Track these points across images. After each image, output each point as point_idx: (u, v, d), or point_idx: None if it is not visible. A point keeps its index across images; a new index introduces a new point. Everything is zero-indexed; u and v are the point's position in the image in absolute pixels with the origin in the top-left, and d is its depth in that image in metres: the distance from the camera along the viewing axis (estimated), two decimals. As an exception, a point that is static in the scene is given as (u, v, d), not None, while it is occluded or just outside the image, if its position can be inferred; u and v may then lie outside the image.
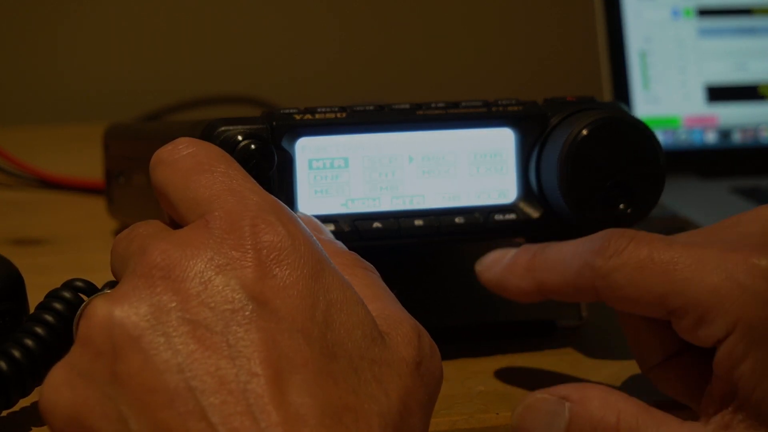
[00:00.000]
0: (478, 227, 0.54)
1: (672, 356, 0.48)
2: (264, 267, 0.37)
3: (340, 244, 0.43)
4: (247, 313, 0.36)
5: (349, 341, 0.36)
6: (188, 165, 0.41)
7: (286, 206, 0.40)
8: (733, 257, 0.45)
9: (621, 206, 0.53)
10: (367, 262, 0.42)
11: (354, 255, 0.42)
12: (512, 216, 0.54)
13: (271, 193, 0.48)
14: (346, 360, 0.36)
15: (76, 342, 0.36)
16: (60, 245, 0.75)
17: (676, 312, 0.45)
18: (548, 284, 0.50)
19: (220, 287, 0.36)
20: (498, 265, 0.52)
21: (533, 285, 0.50)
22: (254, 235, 0.37)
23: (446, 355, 0.55)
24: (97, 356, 0.36)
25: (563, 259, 0.49)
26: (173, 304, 0.36)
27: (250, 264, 0.36)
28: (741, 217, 0.48)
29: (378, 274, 0.42)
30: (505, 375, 0.55)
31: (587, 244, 0.48)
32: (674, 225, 0.79)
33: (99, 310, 0.36)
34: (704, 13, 0.92)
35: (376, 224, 0.52)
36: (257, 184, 0.41)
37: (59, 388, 0.36)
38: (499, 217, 0.54)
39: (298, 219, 0.39)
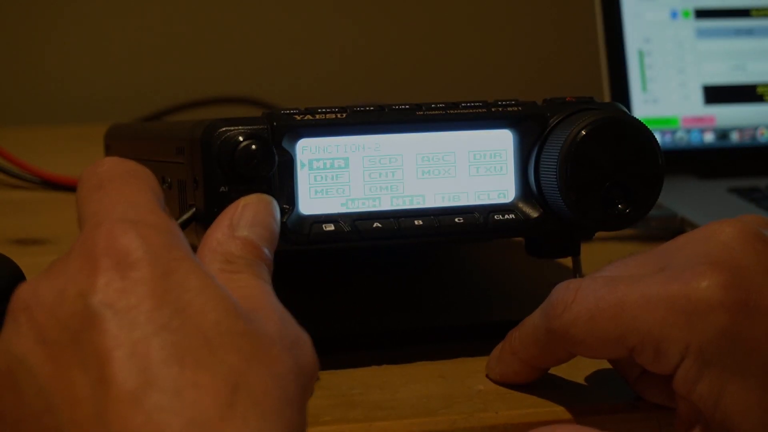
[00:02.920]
0: (477, 227, 0.54)
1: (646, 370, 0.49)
2: (113, 272, 0.37)
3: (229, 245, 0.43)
4: (95, 320, 0.36)
5: (205, 322, 0.37)
6: (92, 183, 0.42)
7: (161, 214, 0.40)
8: (675, 287, 0.46)
9: (620, 206, 0.53)
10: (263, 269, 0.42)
11: (244, 260, 0.42)
12: (511, 216, 0.54)
13: (272, 193, 0.48)
14: (200, 339, 0.36)
15: None
16: (61, 245, 0.75)
17: (636, 349, 0.47)
18: (533, 360, 0.51)
19: (70, 302, 0.37)
20: (494, 360, 0.53)
21: (523, 366, 0.52)
22: (108, 242, 0.38)
23: (446, 355, 0.56)
24: None
25: (531, 332, 0.51)
26: (32, 333, 0.37)
27: (98, 273, 0.37)
28: (691, 236, 0.49)
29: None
30: (504, 374, 0.55)
31: (542, 308, 0.50)
32: (673, 225, 0.79)
33: None
34: (702, 13, 0.92)
35: (376, 224, 0.52)
36: (146, 195, 0.41)
37: None
38: (498, 216, 0.54)
39: (168, 225, 0.40)
